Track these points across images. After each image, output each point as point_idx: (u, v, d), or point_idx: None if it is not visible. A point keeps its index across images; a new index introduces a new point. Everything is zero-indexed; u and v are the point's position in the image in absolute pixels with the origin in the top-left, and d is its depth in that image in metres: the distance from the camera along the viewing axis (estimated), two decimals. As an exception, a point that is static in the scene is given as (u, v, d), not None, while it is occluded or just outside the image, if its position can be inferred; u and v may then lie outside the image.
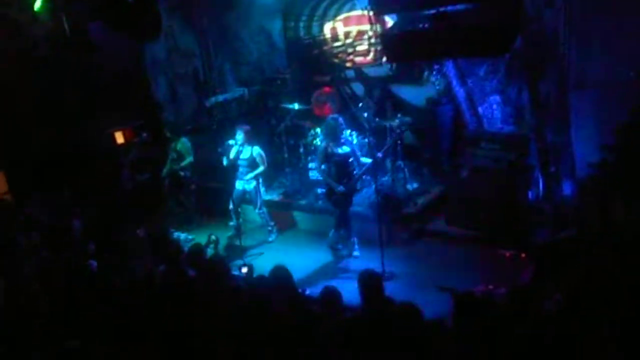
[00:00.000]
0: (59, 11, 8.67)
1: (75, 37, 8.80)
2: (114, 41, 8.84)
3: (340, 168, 7.29)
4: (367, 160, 7.45)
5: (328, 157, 7.31)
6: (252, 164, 8.00)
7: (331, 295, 4.54)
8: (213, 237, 7.81)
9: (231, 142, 7.96)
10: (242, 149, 7.93)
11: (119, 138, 9.93)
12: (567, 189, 7.00)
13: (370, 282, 4.57)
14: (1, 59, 8.85)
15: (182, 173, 8.91)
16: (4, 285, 5.31)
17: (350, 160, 7.34)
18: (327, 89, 9.74)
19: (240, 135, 7.91)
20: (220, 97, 10.23)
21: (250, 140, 7.98)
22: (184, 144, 8.93)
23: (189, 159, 8.90)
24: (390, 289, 5.02)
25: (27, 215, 7.75)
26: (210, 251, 7.50)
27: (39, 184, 8.58)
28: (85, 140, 9.32)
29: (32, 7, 8.51)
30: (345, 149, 7.30)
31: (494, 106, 7.83)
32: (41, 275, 5.73)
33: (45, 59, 9.09)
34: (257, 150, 8.01)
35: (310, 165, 8.77)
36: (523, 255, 6.79)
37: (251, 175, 8.01)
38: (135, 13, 8.08)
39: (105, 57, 9.10)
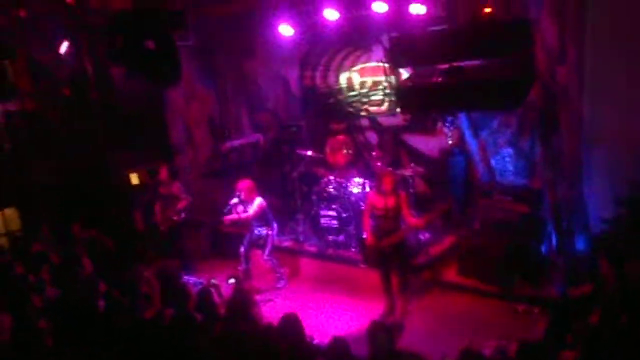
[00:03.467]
0: (82, 55, 8.97)
1: (97, 80, 9.07)
2: (135, 85, 9.07)
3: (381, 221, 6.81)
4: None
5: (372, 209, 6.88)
6: (261, 215, 8.04)
7: (339, 346, 4.49)
8: (213, 281, 7.73)
9: (234, 200, 7.97)
10: (246, 203, 7.95)
11: (134, 179, 10.07)
12: (580, 243, 6.93)
13: (379, 334, 4.53)
14: (24, 98, 9.08)
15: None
16: (10, 321, 5.29)
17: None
18: (341, 137, 9.84)
19: (241, 193, 7.94)
20: (236, 142, 10.35)
21: (251, 194, 7.96)
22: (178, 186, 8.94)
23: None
24: (400, 339, 4.97)
25: (36, 251, 7.79)
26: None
27: (52, 222, 8.62)
28: (101, 179, 9.44)
29: (57, 50, 8.85)
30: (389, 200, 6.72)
31: (507, 159, 7.85)
32: (47, 312, 5.73)
33: (67, 99, 9.32)
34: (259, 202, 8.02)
35: (323, 212, 8.75)
36: (536, 310, 6.69)
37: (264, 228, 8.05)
38: (156, 59, 8.25)
39: (126, 100, 9.31)
